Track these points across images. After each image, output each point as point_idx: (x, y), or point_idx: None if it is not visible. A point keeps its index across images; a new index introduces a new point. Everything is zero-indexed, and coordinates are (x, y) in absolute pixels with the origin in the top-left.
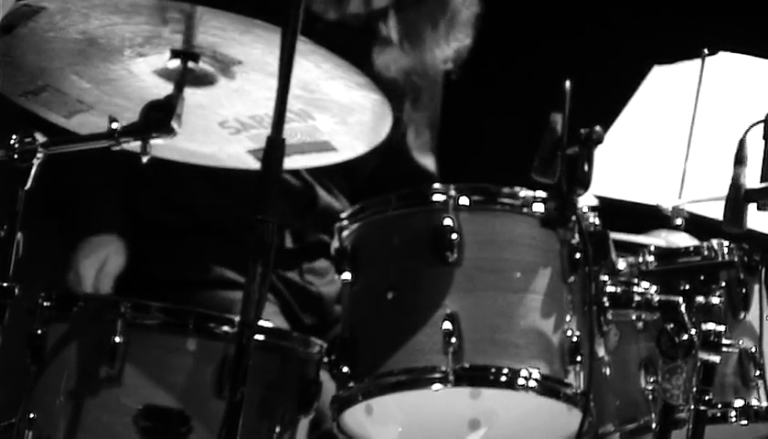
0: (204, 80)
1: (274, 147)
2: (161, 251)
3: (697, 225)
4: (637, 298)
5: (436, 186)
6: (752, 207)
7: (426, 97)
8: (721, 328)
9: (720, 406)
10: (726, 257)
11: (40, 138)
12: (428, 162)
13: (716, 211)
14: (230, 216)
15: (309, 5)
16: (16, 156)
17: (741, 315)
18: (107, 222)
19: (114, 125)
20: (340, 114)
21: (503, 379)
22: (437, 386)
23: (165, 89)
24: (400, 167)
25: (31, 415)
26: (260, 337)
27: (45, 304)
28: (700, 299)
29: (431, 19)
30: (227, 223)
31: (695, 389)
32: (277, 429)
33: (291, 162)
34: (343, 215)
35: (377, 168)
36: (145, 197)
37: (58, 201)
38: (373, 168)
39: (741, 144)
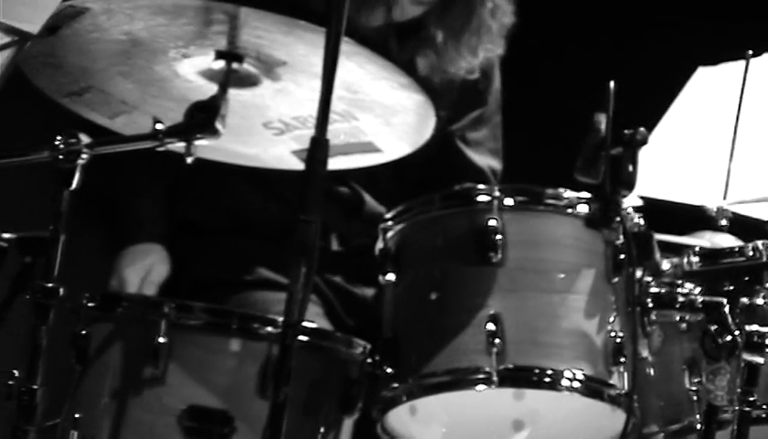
0: (248, 81)
1: (318, 148)
2: (202, 251)
3: (741, 226)
4: (681, 299)
5: (480, 186)
6: None
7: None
8: (765, 329)
9: (764, 407)
10: None
11: (85, 139)
12: (484, 161)
13: (761, 212)
14: (274, 217)
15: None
16: (60, 157)
17: None
18: (152, 230)
19: (158, 126)
20: (384, 115)
21: (547, 380)
22: (481, 387)
23: (210, 89)
24: (452, 168)
25: (76, 415)
26: (303, 337)
27: (88, 304)
28: (744, 300)
29: (454, 31)
30: (270, 224)
31: (739, 390)
32: (321, 430)
33: (335, 163)
34: (387, 216)
35: (428, 171)
36: (188, 197)
37: (103, 203)
38: (424, 172)
39: None
